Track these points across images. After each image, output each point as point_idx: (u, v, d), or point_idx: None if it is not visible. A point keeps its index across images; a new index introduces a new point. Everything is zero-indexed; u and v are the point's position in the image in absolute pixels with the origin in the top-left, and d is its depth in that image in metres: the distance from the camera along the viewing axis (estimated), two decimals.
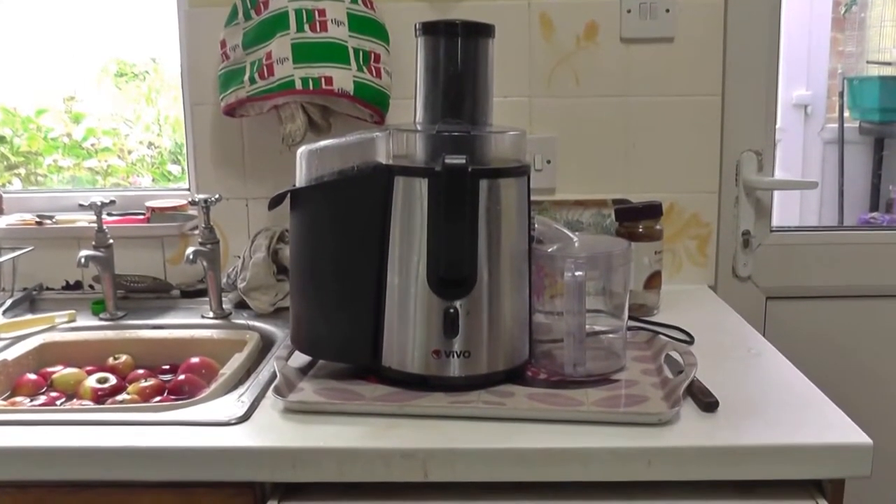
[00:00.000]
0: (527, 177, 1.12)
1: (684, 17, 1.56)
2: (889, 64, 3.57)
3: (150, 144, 2.59)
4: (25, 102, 2.19)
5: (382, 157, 1.09)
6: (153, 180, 2.53)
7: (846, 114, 3.66)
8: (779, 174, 1.65)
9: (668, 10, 1.56)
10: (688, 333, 1.31)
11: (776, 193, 1.67)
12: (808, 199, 3.52)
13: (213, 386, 1.17)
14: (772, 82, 1.61)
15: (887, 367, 1.71)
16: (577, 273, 1.06)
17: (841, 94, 3.65)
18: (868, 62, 3.67)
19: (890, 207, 3.39)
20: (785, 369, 1.18)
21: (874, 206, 3.51)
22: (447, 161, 1.02)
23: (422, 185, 1.05)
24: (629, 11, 1.56)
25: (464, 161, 1.02)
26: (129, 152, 2.52)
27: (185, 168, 1.76)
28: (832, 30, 3.91)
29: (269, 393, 1.07)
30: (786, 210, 1.61)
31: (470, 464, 0.94)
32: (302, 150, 1.11)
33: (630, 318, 1.19)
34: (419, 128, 1.12)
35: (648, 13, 1.56)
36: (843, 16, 3.90)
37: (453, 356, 1.06)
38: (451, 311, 1.05)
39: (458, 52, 1.12)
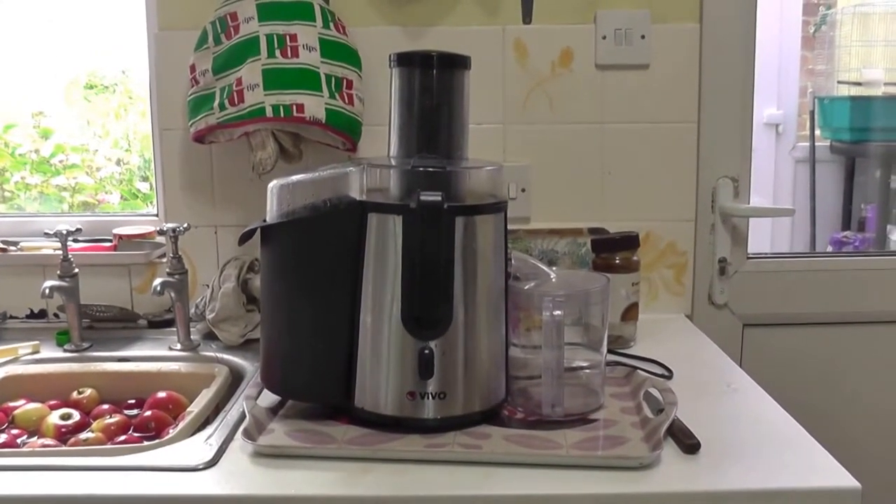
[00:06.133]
0: (503, 213, 1.10)
1: (659, 44, 1.55)
2: (859, 84, 3.59)
3: (119, 161, 2.55)
4: None
5: (356, 193, 1.06)
6: (122, 197, 2.49)
7: (817, 132, 3.68)
8: (752, 195, 1.64)
9: (643, 37, 1.55)
10: (666, 368, 1.29)
11: None
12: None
13: (181, 425, 1.14)
14: (747, 109, 1.60)
15: (865, 393, 1.70)
16: (555, 312, 1.03)
17: (812, 114, 3.67)
18: (839, 82, 3.69)
19: (862, 226, 3.41)
20: (766, 406, 1.16)
21: (846, 225, 3.53)
22: (422, 198, 1.00)
23: (396, 222, 1.02)
24: (604, 38, 1.54)
25: (439, 198, 0.99)
26: (98, 169, 2.48)
27: (153, 187, 1.72)
28: (802, 48, 3.93)
29: (238, 435, 1.04)
30: (758, 227, 1.60)
31: None
32: (273, 185, 1.08)
33: (607, 351, 1.16)
34: (393, 162, 1.10)
35: (623, 39, 1.55)
36: (813, 35, 3.92)
37: (428, 397, 1.03)
38: (427, 351, 1.02)
39: (434, 85, 1.09)
